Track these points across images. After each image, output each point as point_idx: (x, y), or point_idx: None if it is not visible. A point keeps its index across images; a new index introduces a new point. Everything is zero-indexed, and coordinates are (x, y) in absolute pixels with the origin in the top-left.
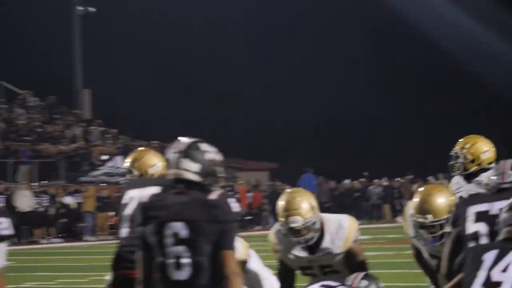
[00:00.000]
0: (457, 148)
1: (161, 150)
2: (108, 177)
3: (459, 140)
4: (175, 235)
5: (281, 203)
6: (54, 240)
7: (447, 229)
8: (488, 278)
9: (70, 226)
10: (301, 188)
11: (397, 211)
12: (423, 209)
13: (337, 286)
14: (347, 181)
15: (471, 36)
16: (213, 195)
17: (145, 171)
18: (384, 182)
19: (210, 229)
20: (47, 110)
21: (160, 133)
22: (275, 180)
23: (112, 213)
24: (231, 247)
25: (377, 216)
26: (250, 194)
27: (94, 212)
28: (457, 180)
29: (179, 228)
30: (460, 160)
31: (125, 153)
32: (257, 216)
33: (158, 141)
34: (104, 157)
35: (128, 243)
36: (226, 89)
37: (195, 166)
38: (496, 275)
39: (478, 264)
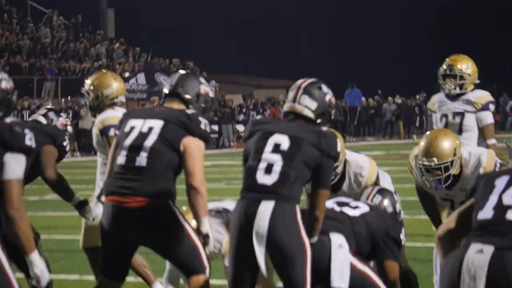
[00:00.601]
0: (458, 67)
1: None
2: (130, 93)
3: (451, 60)
4: (277, 145)
5: None
6: (75, 154)
7: (453, 171)
8: (499, 201)
9: (91, 141)
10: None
11: (411, 129)
12: (428, 152)
13: (351, 202)
14: (362, 99)
15: None
16: (324, 128)
17: (101, 92)
18: (398, 99)
19: (310, 151)
20: (72, 29)
21: (180, 51)
22: None
23: None
24: (326, 186)
25: (390, 133)
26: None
27: None
28: (440, 98)
29: (283, 140)
30: (465, 79)
31: (146, 70)
32: None
33: (178, 58)
34: (127, 75)
35: (123, 171)
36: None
37: (313, 104)
38: (507, 199)
39: (490, 188)
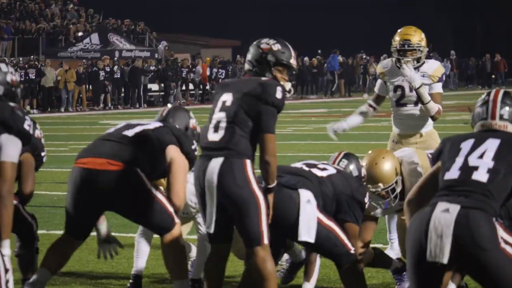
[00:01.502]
0: (414, 41)
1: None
2: (84, 53)
3: (405, 34)
4: (223, 102)
5: None
6: (33, 111)
7: (399, 189)
8: (465, 162)
9: (48, 99)
10: None
11: (353, 87)
12: (373, 179)
13: (319, 164)
14: (306, 58)
15: None
16: (266, 78)
17: None
18: (339, 58)
19: (251, 101)
20: None
21: (132, 12)
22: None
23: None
24: (270, 130)
25: (332, 91)
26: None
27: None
28: (389, 66)
29: (228, 97)
30: (422, 52)
31: (99, 31)
32: None
33: (129, 19)
34: (80, 34)
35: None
36: None
37: (250, 56)
38: (473, 161)
39: (456, 151)
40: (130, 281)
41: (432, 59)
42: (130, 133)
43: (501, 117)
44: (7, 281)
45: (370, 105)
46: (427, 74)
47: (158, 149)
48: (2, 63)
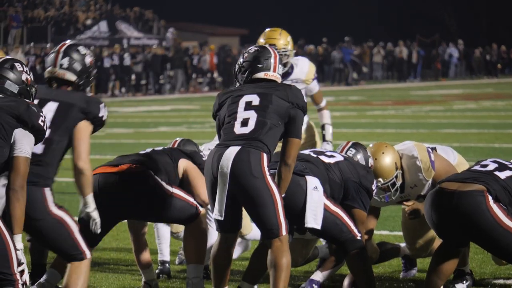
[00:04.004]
0: (280, 45)
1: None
2: (93, 40)
3: (269, 39)
4: (248, 102)
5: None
6: None
7: (399, 183)
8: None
9: None
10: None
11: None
12: (374, 174)
13: (327, 151)
14: (311, 47)
15: None
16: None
17: None
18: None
19: (280, 103)
20: None
21: (139, 0)
22: (245, 45)
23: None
24: (297, 135)
25: (339, 79)
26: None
27: None
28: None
29: (253, 98)
30: (288, 56)
31: (108, 18)
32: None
33: (138, 7)
34: (89, 22)
35: None
36: None
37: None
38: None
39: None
40: (159, 267)
41: (300, 58)
42: (143, 152)
43: None
44: (21, 272)
45: None
46: (300, 80)
47: (170, 164)
48: (17, 63)
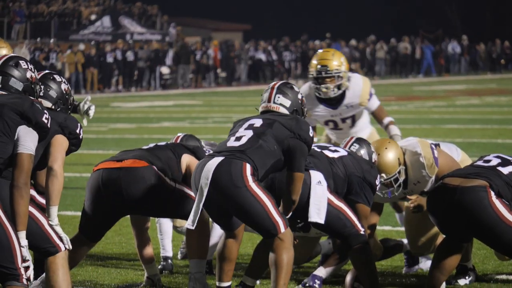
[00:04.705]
0: (332, 66)
1: (144, 12)
2: (96, 35)
3: (322, 60)
4: (250, 124)
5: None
6: None
7: (402, 179)
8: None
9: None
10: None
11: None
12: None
13: (331, 146)
14: (317, 42)
15: None
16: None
17: None
18: (353, 42)
19: (281, 130)
20: None
21: None
22: (248, 40)
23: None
24: (300, 169)
25: None
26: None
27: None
28: (310, 97)
29: (256, 121)
30: (342, 78)
31: (111, 14)
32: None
33: (140, 2)
34: (92, 17)
35: None
36: None
37: (287, 102)
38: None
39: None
40: (162, 262)
41: (352, 77)
42: (146, 147)
43: None
44: (26, 269)
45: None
46: (355, 103)
47: (173, 159)
48: (22, 60)
